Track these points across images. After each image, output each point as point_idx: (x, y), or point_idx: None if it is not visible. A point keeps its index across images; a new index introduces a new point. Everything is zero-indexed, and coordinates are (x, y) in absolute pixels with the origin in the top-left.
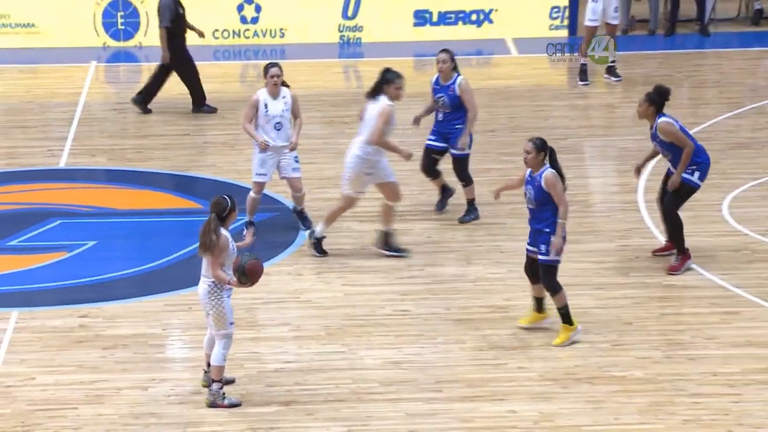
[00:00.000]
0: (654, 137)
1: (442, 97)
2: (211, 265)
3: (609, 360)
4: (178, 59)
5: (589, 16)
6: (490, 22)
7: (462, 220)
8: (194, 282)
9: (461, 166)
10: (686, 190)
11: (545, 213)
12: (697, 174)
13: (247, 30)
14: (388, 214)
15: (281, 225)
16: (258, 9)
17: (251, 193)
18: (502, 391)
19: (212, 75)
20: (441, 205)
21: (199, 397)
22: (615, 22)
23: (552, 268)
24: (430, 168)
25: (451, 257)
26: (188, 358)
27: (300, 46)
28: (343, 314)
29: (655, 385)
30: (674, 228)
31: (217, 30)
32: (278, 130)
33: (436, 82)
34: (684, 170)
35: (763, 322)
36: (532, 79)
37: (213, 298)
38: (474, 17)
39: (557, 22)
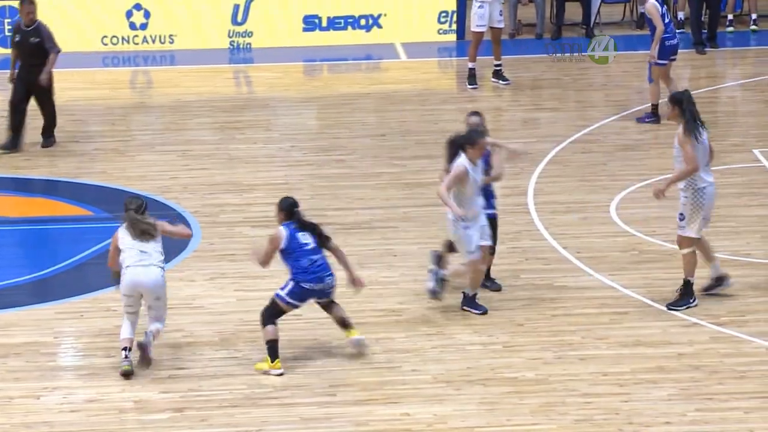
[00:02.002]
0: None
1: None
2: (177, 233)
3: (501, 362)
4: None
5: (476, 22)
6: (379, 26)
7: None
8: (86, 289)
9: None
10: None
11: None
12: None
13: (136, 36)
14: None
15: None
16: (147, 15)
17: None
18: (396, 394)
19: (101, 81)
20: None
21: (92, 405)
22: (500, 25)
23: (272, 300)
24: None
25: None
26: (81, 366)
27: (190, 51)
28: (237, 320)
29: (547, 386)
30: None
31: (105, 36)
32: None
33: None
34: None
35: (652, 322)
36: (421, 83)
37: (164, 282)
38: (363, 22)
39: (446, 26)
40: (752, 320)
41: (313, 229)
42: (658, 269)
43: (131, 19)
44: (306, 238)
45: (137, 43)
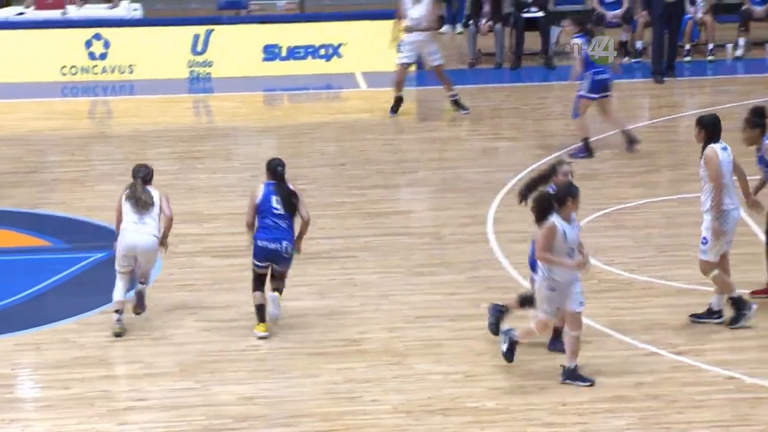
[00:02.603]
0: (761, 161)
1: None
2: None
3: (462, 391)
4: None
5: (404, 53)
6: (339, 56)
7: None
8: (44, 320)
9: None
10: None
11: None
12: None
13: (96, 66)
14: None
15: None
16: (107, 45)
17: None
18: (357, 424)
19: (61, 111)
20: None
21: None
22: (437, 62)
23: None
24: None
25: (305, 291)
26: (39, 398)
27: (149, 81)
28: (197, 350)
29: (507, 416)
30: None
31: (65, 66)
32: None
33: None
34: None
35: (611, 351)
36: (381, 112)
37: (157, 248)
38: (323, 51)
39: None
40: (710, 349)
41: (289, 196)
42: (616, 298)
43: (90, 49)
44: (278, 203)
45: (96, 73)
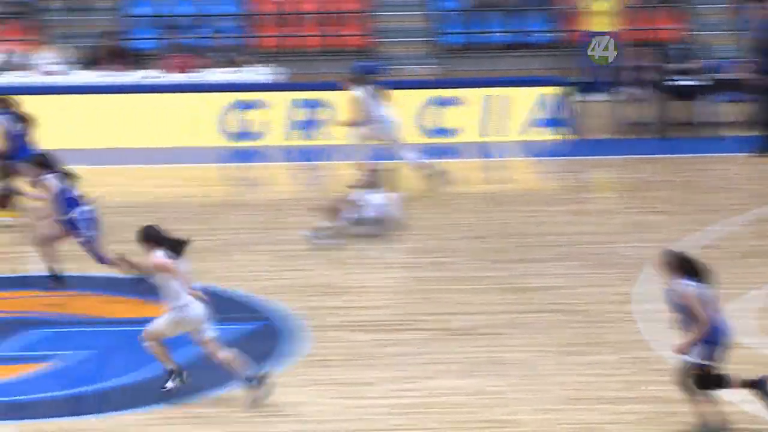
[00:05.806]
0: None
1: None
2: None
3: None
4: None
5: None
6: None
7: None
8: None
9: None
10: None
11: None
12: None
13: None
14: None
15: None
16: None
17: None
18: None
19: (191, 178)
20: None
21: None
22: None
23: None
24: None
25: (443, 369)
26: None
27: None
28: None
29: None
30: None
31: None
32: None
33: None
34: None
35: None
36: (523, 183)
37: None
38: None
39: None
40: None
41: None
42: None
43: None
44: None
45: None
